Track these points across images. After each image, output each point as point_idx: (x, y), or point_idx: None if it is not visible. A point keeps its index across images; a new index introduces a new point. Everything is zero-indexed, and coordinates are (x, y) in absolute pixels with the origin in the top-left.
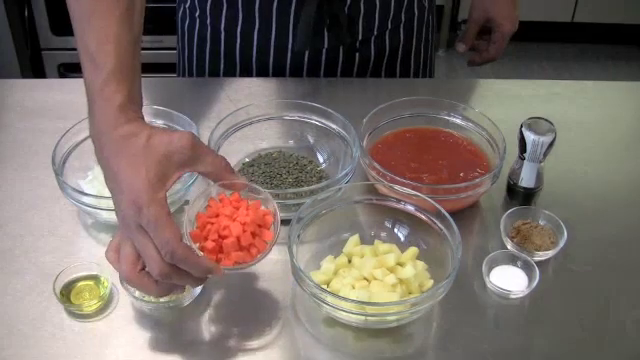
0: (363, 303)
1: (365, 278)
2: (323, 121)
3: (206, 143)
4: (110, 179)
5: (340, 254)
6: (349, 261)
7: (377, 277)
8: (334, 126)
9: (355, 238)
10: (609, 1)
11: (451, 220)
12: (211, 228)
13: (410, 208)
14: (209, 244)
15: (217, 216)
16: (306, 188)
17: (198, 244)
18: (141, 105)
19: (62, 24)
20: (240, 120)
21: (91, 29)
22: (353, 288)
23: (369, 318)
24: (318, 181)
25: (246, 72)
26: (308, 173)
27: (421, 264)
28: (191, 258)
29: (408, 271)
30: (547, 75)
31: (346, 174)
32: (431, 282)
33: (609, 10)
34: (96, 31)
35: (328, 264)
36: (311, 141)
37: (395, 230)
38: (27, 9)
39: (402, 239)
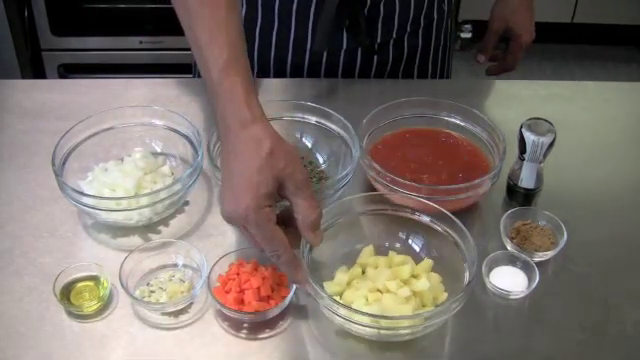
0: (377, 317)
1: (379, 290)
2: (323, 122)
3: (206, 145)
4: (226, 175)
5: (354, 265)
6: (363, 272)
7: (391, 289)
8: (334, 127)
9: (369, 249)
10: (609, 2)
11: (466, 232)
12: (233, 283)
13: (425, 219)
14: (231, 296)
15: (238, 274)
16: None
17: (221, 299)
18: (256, 94)
19: (62, 25)
20: None
21: (201, 20)
22: (367, 300)
23: (382, 331)
24: (318, 182)
25: (264, 73)
26: (309, 173)
27: (436, 276)
28: (292, 265)
29: (423, 284)
30: (547, 76)
31: (346, 174)
32: (445, 295)
33: (609, 11)
34: (207, 21)
35: (342, 275)
36: (311, 141)
37: (410, 241)
38: (27, 9)
39: (417, 250)
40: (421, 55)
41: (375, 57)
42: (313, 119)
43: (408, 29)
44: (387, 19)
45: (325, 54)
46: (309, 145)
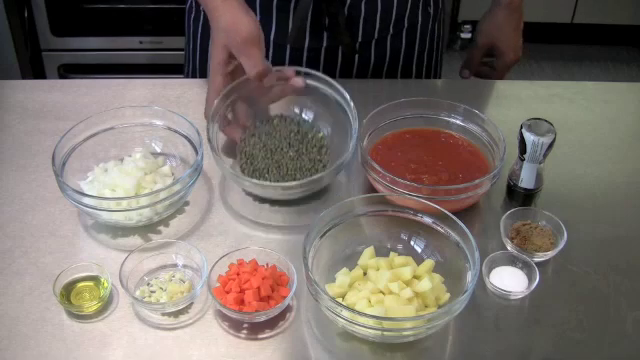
0: (380, 318)
1: (381, 291)
2: (325, 89)
3: (211, 115)
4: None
5: (355, 266)
6: (364, 274)
7: (393, 291)
8: (336, 96)
9: (370, 250)
10: (609, 2)
11: (468, 233)
12: (233, 283)
13: (427, 220)
14: (232, 296)
15: (238, 274)
16: (307, 179)
17: (221, 299)
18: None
19: (62, 25)
20: (245, 87)
21: None
22: (369, 302)
23: (386, 333)
24: (319, 151)
25: None
26: (309, 142)
27: (437, 277)
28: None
29: (425, 285)
30: (547, 76)
31: (343, 162)
32: (447, 295)
33: (609, 11)
34: None
35: (343, 277)
36: (313, 110)
37: (411, 242)
38: (27, 10)
39: (419, 251)
40: (404, 58)
41: (356, 56)
42: (315, 86)
43: (391, 30)
44: (368, 18)
45: (305, 51)
46: (311, 114)
